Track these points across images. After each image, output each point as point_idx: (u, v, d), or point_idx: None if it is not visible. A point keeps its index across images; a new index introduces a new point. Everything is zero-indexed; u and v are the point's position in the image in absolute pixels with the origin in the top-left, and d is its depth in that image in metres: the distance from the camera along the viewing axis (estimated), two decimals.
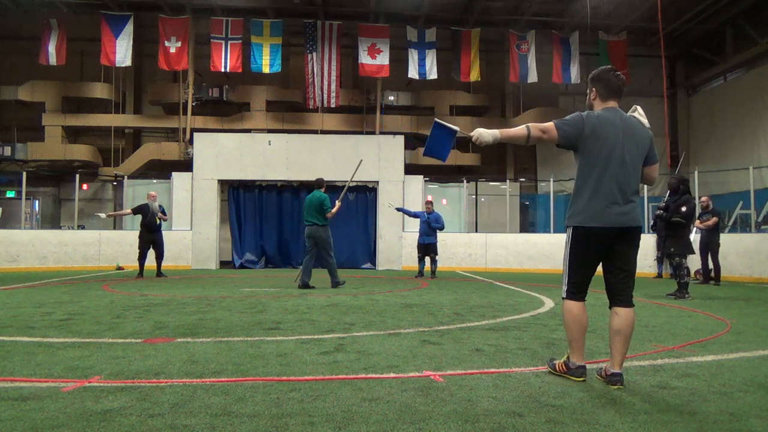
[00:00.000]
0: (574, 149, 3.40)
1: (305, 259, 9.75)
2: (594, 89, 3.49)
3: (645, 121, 3.47)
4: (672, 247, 8.55)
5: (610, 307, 3.42)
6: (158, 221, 11.82)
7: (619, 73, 3.49)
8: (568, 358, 3.47)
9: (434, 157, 3.74)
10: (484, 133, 3.41)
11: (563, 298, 3.50)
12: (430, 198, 13.71)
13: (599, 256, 3.41)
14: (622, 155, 3.29)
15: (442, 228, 12.42)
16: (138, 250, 11.88)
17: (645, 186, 15.22)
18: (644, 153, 3.39)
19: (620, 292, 3.38)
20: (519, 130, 3.40)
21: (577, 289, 3.44)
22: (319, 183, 9.93)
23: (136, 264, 12.11)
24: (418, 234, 12.64)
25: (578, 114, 3.38)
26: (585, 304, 3.46)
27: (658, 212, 8.73)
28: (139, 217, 12.19)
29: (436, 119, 3.77)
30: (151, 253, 11.94)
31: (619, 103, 3.45)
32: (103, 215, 13.15)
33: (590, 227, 3.32)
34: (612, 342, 3.34)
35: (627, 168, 3.30)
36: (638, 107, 3.54)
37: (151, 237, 11.78)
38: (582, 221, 3.34)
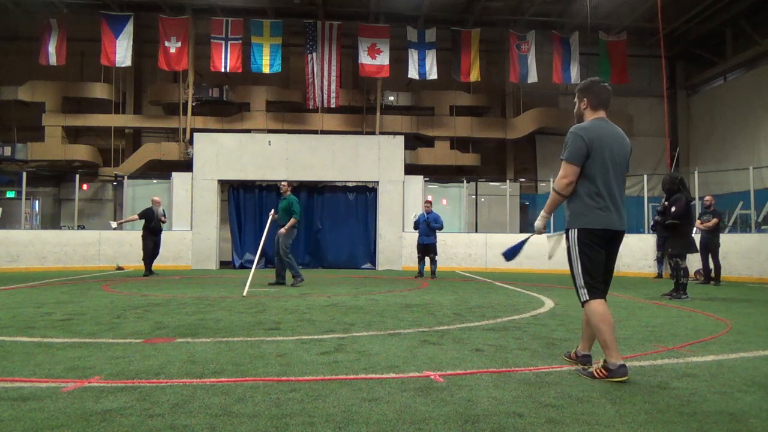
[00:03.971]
0: None
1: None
2: (585, 99, 3.68)
3: None
4: (670, 247, 8.54)
5: None
6: (161, 226, 12.38)
7: (606, 84, 3.72)
8: (604, 361, 3.45)
9: (509, 258, 4.15)
10: (537, 224, 3.73)
11: (585, 301, 3.50)
12: (429, 198, 13.72)
13: (603, 254, 3.54)
14: (614, 163, 3.53)
15: (441, 228, 12.42)
16: (143, 251, 12.27)
17: (645, 186, 15.32)
18: (628, 162, 3.67)
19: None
20: (552, 198, 3.66)
21: (596, 287, 3.50)
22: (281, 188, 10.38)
23: (136, 264, 12.21)
24: (417, 234, 12.63)
25: (576, 135, 3.53)
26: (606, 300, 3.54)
27: (657, 217, 8.75)
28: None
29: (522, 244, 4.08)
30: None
31: (606, 113, 3.67)
32: (114, 224, 13.14)
33: (594, 229, 3.48)
34: (585, 327, 3.68)
35: (618, 175, 3.56)
36: None
37: (153, 239, 12.23)
38: (586, 223, 3.49)
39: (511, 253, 4.03)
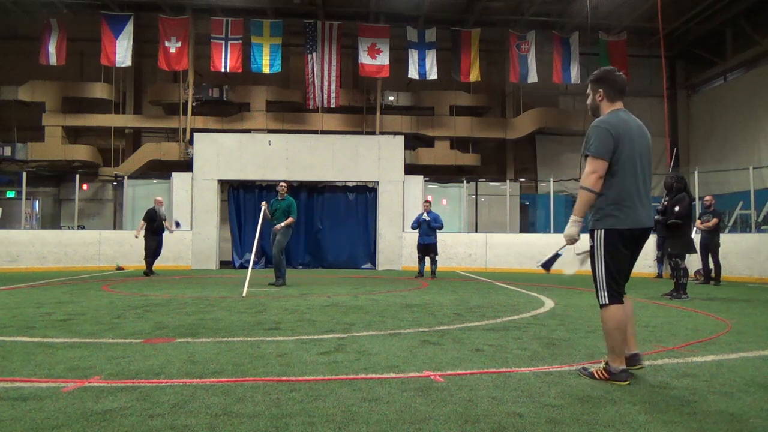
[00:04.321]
0: None
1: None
2: (601, 90, 3.48)
3: None
4: (670, 247, 8.53)
5: None
6: (164, 228, 12.49)
7: (621, 72, 3.51)
8: (607, 363, 3.43)
9: (546, 266, 3.92)
10: (570, 231, 3.41)
11: (604, 305, 3.41)
12: (429, 198, 13.71)
13: (630, 254, 3.45)
14: (640, 157, 3.37)
15: (441, 227, 12.40)
16: (145, 251, 12.34)
17: None
18: (651, 155, 3.48)
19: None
20: (582, 197, 3.37)
21: (618, 290, 3.41)
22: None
23: (136, 264, 12.23)
24: (417, 234, 12.62)
25: (602, 129, 3.34)
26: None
27: (657, 217, 8.71)
28: (139, 217, 12.64)
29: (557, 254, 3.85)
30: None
31: (624, 103, 3.48)
32: (136, 235, 12.86)
33: (623, 229, 3.33)
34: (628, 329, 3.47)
35: (645, 169, 3.40)
36: None
37: (156, 239, 12.33)
38: (615, 223, 3.34)
39: (548, 265, 3.85)
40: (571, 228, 3.40)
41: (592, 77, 3.54)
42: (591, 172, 3.31)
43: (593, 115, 3.56)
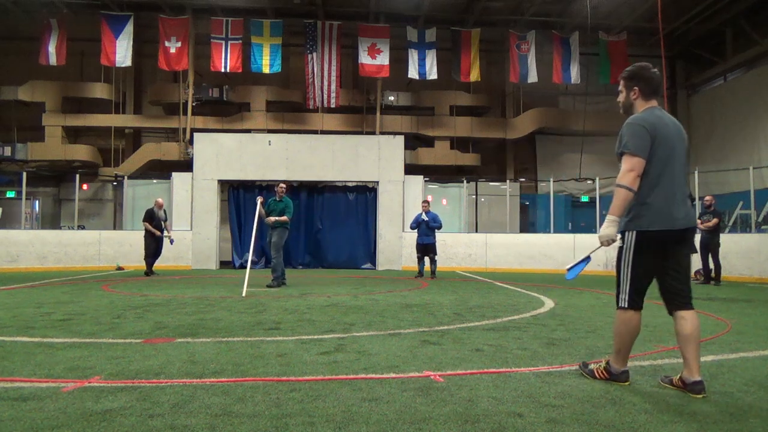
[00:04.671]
0: None
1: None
2: (636, 88, 3.33)
3: None
4: None
5: (670, 313, 3.30)
6: (164, 231, 12.49)
7: (656, 69, 3.37)
8: (607, 363, 3.40)
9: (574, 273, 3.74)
10: (607, 232, 3.21)
11: (622, 308, 3.30)
12: (429, 198, 13.70)
13: (661, 259, 3.24)
14: (677, 156, 3.24)
15: (439, 227, 12.40)
16: (144, 251, 12.34)
17: None
18: (688, 154, 3.36)
19: (681, 293, 3.24)
20: (618, 196, 3.18)
21: (639, 297, 3.28)
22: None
23: (136, 264, 12.23)
24: (417, 234, 12.62)
25: (638, 126, 3.20)
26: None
27: None
28: (139, 217, 12.60)
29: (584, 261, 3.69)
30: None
31: (658, 101, 3.35)
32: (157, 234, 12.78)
33: (656, 230, 3.17)
34: (685, 348, 3.18)
35: (682, 168, 3.26)
36: None
37: (155, 239, 12.31)
38: (646, 224, 3.18)
39: (575, 272, 3.68)
40: (607, 228, 3.20)
41: (625, 74, 3.39)
42: (628, 170, 3.14)
43: (625, 113, 3.41)
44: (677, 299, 3.24)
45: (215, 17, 18.39)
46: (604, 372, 3.40)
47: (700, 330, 3.25)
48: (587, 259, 3.63)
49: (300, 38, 19.11)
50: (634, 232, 3.22)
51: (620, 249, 3.31)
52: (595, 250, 3.55)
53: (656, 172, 3.18)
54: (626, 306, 3.28)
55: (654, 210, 3.16)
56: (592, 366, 3.52)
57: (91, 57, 19.32)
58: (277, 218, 9.67)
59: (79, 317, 5.92)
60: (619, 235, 3.27)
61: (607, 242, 3.23)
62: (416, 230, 12.50)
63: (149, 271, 12.18)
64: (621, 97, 3.42)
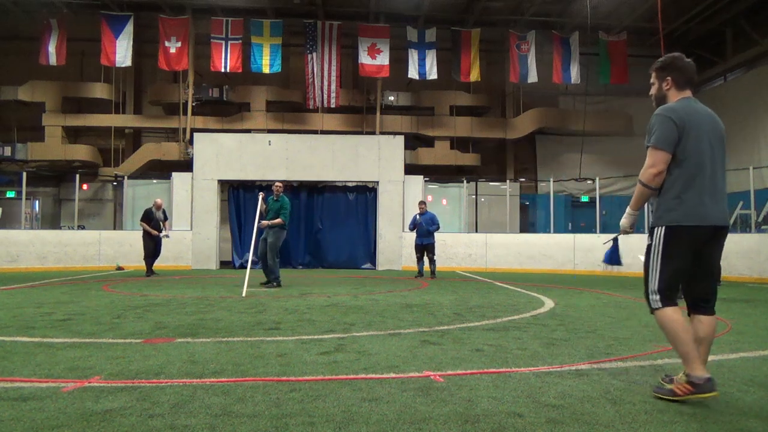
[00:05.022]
0: None
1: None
2: (670, 78, 3.19)
3: None
4: None
5: (689, 314, 3.16)
6: (162, 230, 12.42)
7: (690, 60, 3.24)
8: (687, 375, 2.99)
9: (613, 264, 3.76)
10: (622, 222, 3.29)
11: (657, 309, 3.07)
12: (429, 198, 13.70)
13: (691, 259, 3.08)
14: (711, 148, 3.08)
15: (437, 229, 12.39)
16: (143, 251, 12.30)
17: None
18: (724, 146, 3.17)
19: (706, 297, 3.13)
20: (637, 191, 3.13)
21: (672, 294, 3.07)
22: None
23: (136, 264, 12.22)
24: (416, 234, 12.63)
25: (665, 117, 3.07)
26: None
27: None
28: (138, 217, 12.57)
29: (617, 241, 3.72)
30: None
31: (693, 92, 3.22)
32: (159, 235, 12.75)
33: (687, 226, 3.01)
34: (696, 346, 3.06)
35: (717, 162, 3.08)
36: None
37: (154, 239, 12.26)
38: (677, 219, 3.02)
39: (610, 258, 3.66)
40: (624, 219, 3.25)
41: (657, 64, 3.25)
42: (649, 166, 3.04)
43: (658, 105, 3.25)
44: (701, 305, 3.14)
45: (215, 17, 18.39)
46: (686, 386, 2.97)
47: (715, 333, 3.19)
48: (615, 240, 3.65)
49: (300, 38, 19.11)
50: (664, 228, 3.07)
51: (648, 246, 3.15)
52: (617, 235, 3.58)
53: (688, 163, 3.02)
54: (660, 305, 3.06)
55: (685, 204, 3.01)
56: (669, 386, 3.07)
57: (91, 57, 19.32)
58: (271, 222, 9.60)
59: (79, 317, 5.92)
60: (647, 234, 3.20)
61: (623, 231, 3.32)
62: (412, 229, 12.51)
63: (149, 272, 12.18)
64: (653, 90, 3.29)
